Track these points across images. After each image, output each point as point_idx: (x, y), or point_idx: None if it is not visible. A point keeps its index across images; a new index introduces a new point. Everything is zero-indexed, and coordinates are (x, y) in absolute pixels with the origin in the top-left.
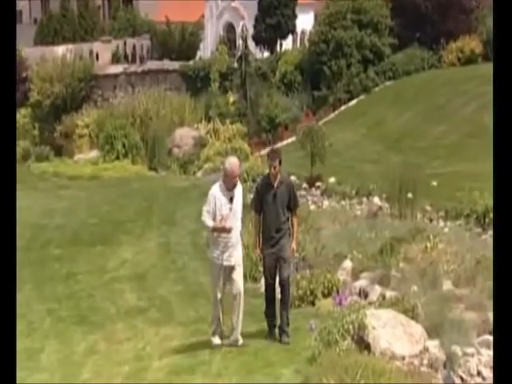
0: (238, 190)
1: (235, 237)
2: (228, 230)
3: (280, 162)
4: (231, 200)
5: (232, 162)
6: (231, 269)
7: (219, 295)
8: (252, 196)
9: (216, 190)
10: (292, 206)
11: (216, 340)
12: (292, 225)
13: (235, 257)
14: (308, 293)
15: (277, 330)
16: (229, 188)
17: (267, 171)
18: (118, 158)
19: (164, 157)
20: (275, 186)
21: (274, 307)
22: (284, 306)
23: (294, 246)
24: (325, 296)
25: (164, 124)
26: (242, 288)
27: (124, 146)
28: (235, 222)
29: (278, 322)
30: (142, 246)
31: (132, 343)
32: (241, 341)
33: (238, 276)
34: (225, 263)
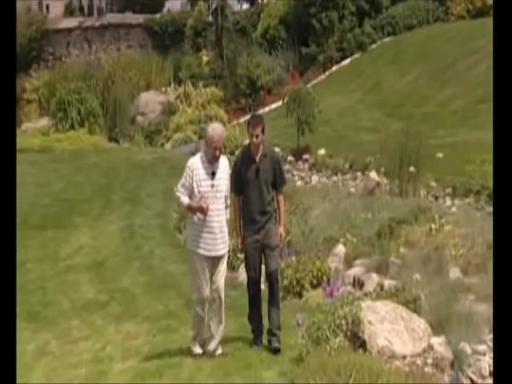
0: (223, 164)
1: (219, 220)
2: (205, 211)
3: (263, 131)
4: (213, 175)
5: (215, 127)
6: (212, 261)
7: (206, 293)
8: (231, 171)
9: (195, 162)
10: (278, 183)
11: (197, 349)
12: (278, 206)
13: (220, 246)
14: (294, 283)
15: (263, 336)
16: (210, 160)
17: (247, 142)
18: (72, 127)
19: (126, 126)
20: (257, 159)
21: (260, 309)
22: (272, 304)
23: (281, 230)
24: (313, 286)
25: (126, 87)
26: (223, 286)
27: (79, 112)
28: (218, 203)
29: (266, 326)
30: (100, 229)
31: (89, 343)
32: (220, 350)
33: (221, 272)
34: (206, 253)
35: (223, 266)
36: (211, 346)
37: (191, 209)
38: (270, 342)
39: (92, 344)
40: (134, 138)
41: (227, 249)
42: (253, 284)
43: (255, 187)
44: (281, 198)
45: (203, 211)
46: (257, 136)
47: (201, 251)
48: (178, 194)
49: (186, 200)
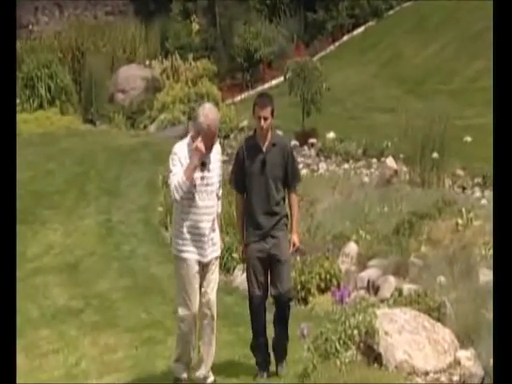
0: (215, 153)
1: (209, 220)
2: (203, 151)
3: (273, 113)
4: (203, 166)
5: (209, 112)
6: (202, 268)
7: (195, 307)
8: (232, 165)
9: (181, 150)
10: (290, 179)
11: (179, 370)
12: (290, 208)
13: (210, 249)
14: (299, 287)
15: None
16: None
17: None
18: (41, 106)
19: (104, 105)
20: (264, 149)
21: (265, 336)
22: (280, 327)
23: (294, 238)
24: (321, 291)
25: (104, 60)
26: (215, 301)
27: (50, 89)
28: (208, 199)
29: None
30: (74, 225)
31: (61, 356)
32: (212, 377)
33: (212, 282)
34: (195, 257)
35: (214, 275)
36: (201, 372)
37: (192, 169)
38: (275, 366)
39: (64, 358)
40: (112, 119)
41: (219, 252)
42: (256, 304)
43: (261, 183)
44: (294, 197)
45: (202, 153)
46: (265, 118)
47: (189, 255)
48: (172, 185)
49: (181, 174)
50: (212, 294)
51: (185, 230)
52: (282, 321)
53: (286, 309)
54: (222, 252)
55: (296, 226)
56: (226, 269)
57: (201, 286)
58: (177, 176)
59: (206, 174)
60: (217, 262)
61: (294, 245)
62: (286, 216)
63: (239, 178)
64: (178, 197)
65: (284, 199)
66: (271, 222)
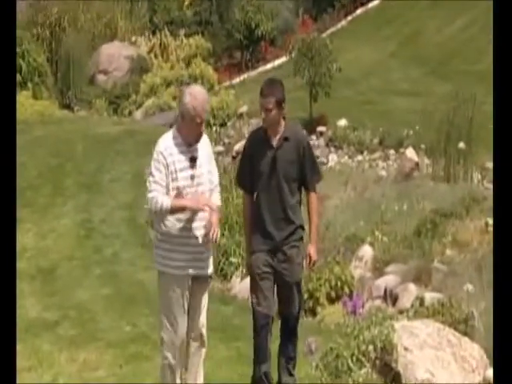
0: (204, 145)
1: (201, 226)
2: (202, 208)
3: (280, 103)
4: (192, 162)
5: (196, 94)
6: (192, 285)
7: (183, 331)
8: (239, 160)
9: (168, 146)
10: (308, 177)
11: None
12: (309, 211)
13: (204, 263)
14: (306, 296)
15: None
16: (189, 141)
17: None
18: None
19: (83, 88)
20: (275, 144)
21: (269, 363)
22: (285, 352)
23: (311, 250)
24: (331, 301)
25: (83, 37)
26: (205, 320)
27: (21, 70)
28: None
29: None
30: (49, 225)
31: (35, 374)
32: None
33: (201, 306)
34: (184, 272)
35: (205, 299)
36: None
37: (182, 209)
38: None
39: (38, 376)
40: (93, 104)
41: (212, 268)
42: (261, 326)
43: (271, 185)
44: (313, 198)
45: (200, 209)
46: (267, 110)
47: (178, 271)
48: (152, 194)
49: (168, 202)
50: (201, 318)
51: (172, 240)
52: (288, 344)
53: (293, 331)
54: (217, 256)
55: (315, 235)
56: (222, 275)
57: (189, 307)
58: (160, 188)
59: (196, 171)
60: (208, 284)
61: (310, 258)
62: (302, 227)
63: (246, 177)
64: (153, 214)
65: (300, 204)
66: (283, 232)
